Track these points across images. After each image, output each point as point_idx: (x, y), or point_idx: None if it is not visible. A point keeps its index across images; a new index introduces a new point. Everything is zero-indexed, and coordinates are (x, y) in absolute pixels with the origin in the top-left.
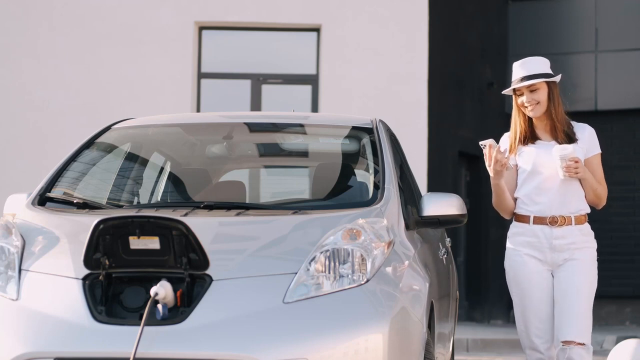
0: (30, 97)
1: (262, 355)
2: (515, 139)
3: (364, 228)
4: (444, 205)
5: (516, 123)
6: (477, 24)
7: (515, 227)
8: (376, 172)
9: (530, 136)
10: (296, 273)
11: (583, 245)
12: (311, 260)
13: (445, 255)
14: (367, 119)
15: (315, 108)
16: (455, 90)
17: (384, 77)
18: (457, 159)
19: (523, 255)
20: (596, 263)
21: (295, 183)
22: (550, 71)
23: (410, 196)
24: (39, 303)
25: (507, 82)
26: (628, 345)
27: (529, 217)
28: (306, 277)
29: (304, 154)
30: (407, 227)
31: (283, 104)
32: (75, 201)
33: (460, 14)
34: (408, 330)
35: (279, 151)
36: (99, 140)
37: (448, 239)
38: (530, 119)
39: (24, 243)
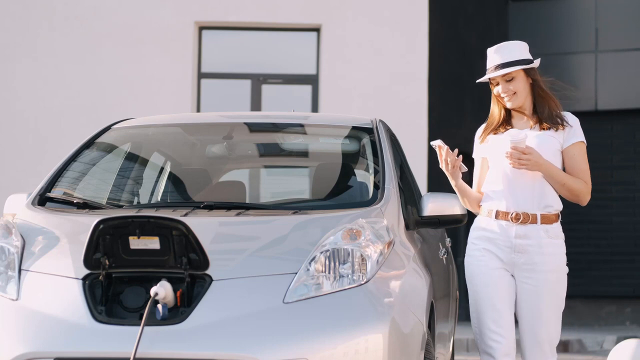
0: (30, 97)
1: (263, 355)
2: (486, 128)
3: (364, 228)
4: (444, 205)
5: (492, 113)
6: (477, 24)
7: (476, 222)
8: (376, 172)
9: (503, 124)
10: (296, 273)
11: (547, 249)
12: (311, 260)
13: (445, 255)
14: (367, 119)
15: (315, 108)
16: (455, 90)
17: (384, 77)
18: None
19: (480, 250)
20: (565, 269)
21: (295, 183)
22: (528, 56)
23: (410, 196)
24: (39, 303)
25: None
26: (628, 345)
27: (491, 211)
28: (306, 277)
29: (304, 154)
30: (407, 227)
31: (283, 104)
32: (75, 201)
33: (460, 14)
34: (408, 330)
35: (279, 151)
36: (99, 140)
37: (448, 239)
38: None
39: (24, 243)
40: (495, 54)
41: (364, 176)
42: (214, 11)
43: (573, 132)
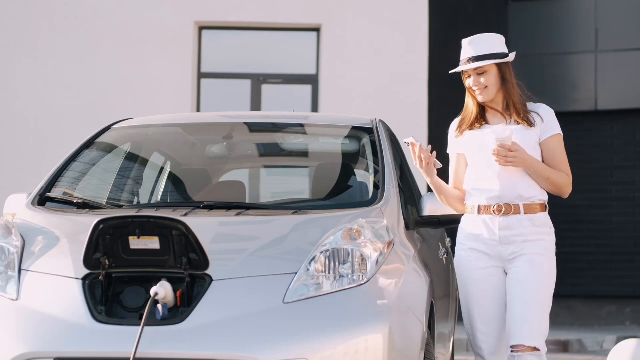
0: (30, 97)
1: (263, 355)
2: (462, 123)
3: (364, 228)
4: (444, 205)
5: (467, 106)
6: (477, 24)
7: (462, 220)
8: (376, 172)
9: (478, 119)
10: (296, 273)
11: (535, 237)
12: (311, 260)
13: (445, 255)
14: (367, 119)
15: (315, 108)
16: (455, 90)
17: (384, 77)
18: None
19: (467, 250)
20: (554, 257)
21: (295, 183)
22: (503, 50)
23: (410, 196)
24: (39, 303)
25: None
26: (628, 345)
27: (474, 207)
28: (306, 277)
29: (304, 154)
30: (407, 227)
31: (283, 104)
32: (75, 201)
33: (460, 14)
34: (408, 330)
35: (279, 151)
36: (99, 140)
37: (448, 239)
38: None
39: (24, 243)
40: (469, 46)
41: (364, 176)
42: (214, 11)
43: (550, 125)
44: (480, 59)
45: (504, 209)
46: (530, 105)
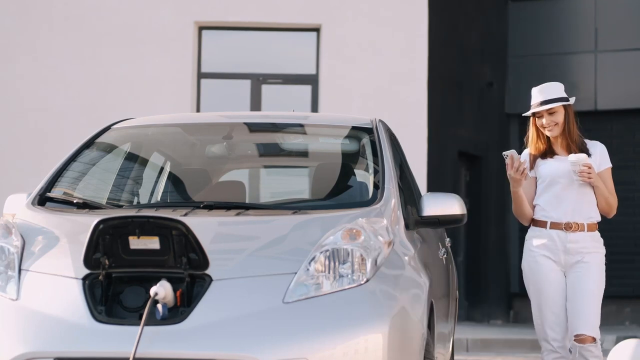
0: (30, 97)
1: (262, 355)
2: (535, 155)
3: (364, 228)
4: (444, 205)
5: (536, 142)
6: (477, 24)
7: (532, 231)
8: (376, 172)
9: (548, 152)
10: (296, 273)
11: (593, 250)
12: (311, 260)
13: (445, 255)
14: (367, 119)
15: (315, 108)
16: (455, 90)
17: (384, 77)
18: (457, 159)
19: (540, 256)
20: (604, 267)
21: (295, 183)
22: (565, 95)
23: (410, 196)
24: (39, 303)
25: (506, 82)
26: (628, 345)
27: (546, 222)
28: (306, 277)
29: (303, 154)
30: (407, 227)
31: (283, 104)
32: (75, 201)
33: (460, 14)
34: (408, 330)
35: (279, 151)
36: (99, 140)
37: (448, 239)
38: (548, 137)
39: (24, 243)
40: (539, 93)
41: (363, 176)
42: (214, 11)
43: (605, 159)
44: (550, 102)
45: (572, 226)
46: (588, 143)
